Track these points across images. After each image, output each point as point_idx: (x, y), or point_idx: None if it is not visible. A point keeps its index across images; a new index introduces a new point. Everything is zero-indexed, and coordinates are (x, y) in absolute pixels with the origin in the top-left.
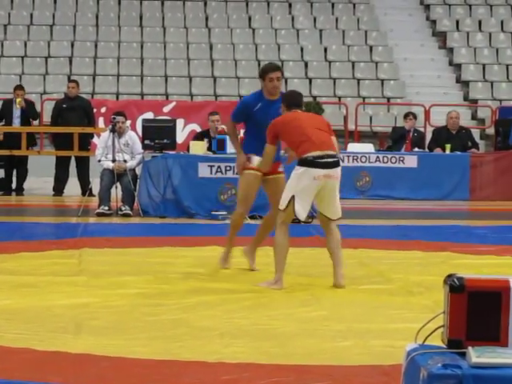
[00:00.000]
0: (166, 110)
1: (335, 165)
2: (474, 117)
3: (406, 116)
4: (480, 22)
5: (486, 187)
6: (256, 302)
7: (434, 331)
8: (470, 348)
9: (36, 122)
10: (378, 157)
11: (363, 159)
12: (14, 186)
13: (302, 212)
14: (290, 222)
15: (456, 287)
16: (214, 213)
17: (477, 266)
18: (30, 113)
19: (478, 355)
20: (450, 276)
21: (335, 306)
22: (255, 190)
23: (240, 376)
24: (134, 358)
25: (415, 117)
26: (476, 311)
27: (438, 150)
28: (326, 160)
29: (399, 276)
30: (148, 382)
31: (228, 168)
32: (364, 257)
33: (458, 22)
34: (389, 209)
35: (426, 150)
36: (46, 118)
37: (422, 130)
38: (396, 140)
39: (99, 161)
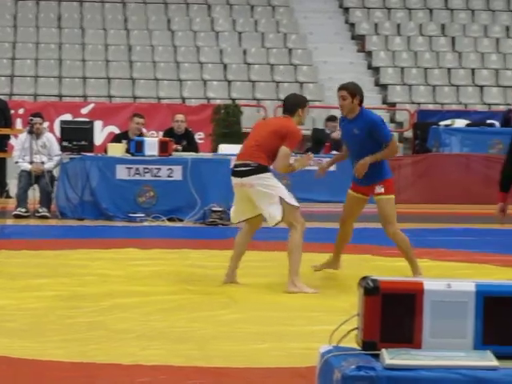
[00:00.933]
0: (84, 111)
1: (244, 174)
2: (392, 120)
3: (330, 119)
4: (399, 26)
5: (405, 190)
6: (174, 304)
7: (348, 333)
8: (383, 350)
9: None
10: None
11: None
12: None
13: (233, 215)
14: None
15: (370, 289)
16: (131, 215)
17: (395, 268)
18: None
19: (391, 357)
20: (364, 278)
21: (253, 308)
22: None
23: (156, 379)
24: (49, 361)
25: (335, 120)
26: (390, 313)
27: None
28: (238, 169)
29: (316, 278)
30: None
31: (146, 170)
32: (282, 259)
33: (376, 26)
34: (308, 211)
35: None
36: None
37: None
38: (317, 142)
39: (16, 162)
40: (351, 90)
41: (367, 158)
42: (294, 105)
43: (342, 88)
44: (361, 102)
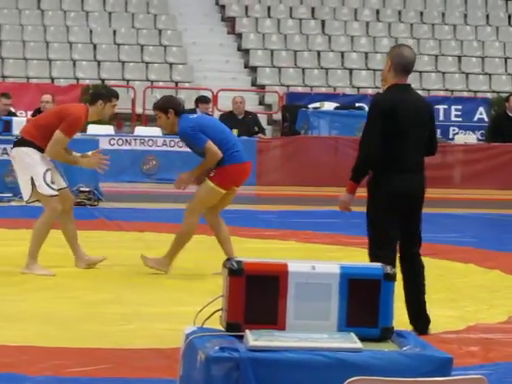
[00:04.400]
0: None
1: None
2: (261, 102)
3: (203, 100)
4: (269, 8)
5: (273, 172)
6: (38, 285)
7: (212, 314)
8: (247, 331)
9: None
10: (164, 140)
11: (150, 143)
12: None
13: None
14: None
15: (234, 270)
16: None
17: (261, 250)
18: None
19: (255, 338)
20: (228, 259)
21: (120, 289)
22: None
23: (19, 359)
24: None
25: (208, 101)
26: (254, 295)
27: None
28: None
29: (187, 260)
30: None
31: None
32: (151, 240)
33: (247, 8)
34: (175, 193)
35: None
36: None
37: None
38: None
39: None
40: (160, 107)
41: (187, 172)
42: (95, 95)
43: (154, 109)
44: (176, 113)
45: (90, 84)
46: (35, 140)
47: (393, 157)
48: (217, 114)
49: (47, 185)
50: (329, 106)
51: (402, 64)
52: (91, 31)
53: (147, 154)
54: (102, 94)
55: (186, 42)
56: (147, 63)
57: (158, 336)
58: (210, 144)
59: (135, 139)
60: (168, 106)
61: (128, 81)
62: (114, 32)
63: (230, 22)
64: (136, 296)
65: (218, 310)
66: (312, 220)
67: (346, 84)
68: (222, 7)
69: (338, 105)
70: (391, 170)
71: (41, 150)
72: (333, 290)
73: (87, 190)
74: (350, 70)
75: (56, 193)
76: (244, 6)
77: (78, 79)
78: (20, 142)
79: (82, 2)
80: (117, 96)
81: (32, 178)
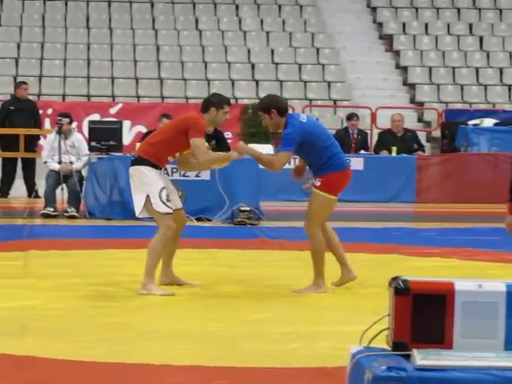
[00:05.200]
0: (112, 111)
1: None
2: (420, 119)
3: (349, 117)
4: (426, 25)
5: (432, 189)
6: (202, 304)
7: (379, 333)
8: (414, 350)
9: None
10: None
11: None
12: None
13: None
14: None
15: (401, 290)
16: None
17: (423, 268)
18: None
19: (422, 357)
20: (395, 278)
21: (281, 308)
22: None
23: (186, 379)
24: (79, 361)
25: (358, 118)
26: (421, 313)
27: (384, 153)
28: None
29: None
30: None
31: (174, 170)
32: (311, 259)
33: (404, 25)
34: (335, 211)
35: (372, 152)
36: None
37: (367, 131)
38: (340, 142)
39: (45, 162)
40: (262, 108)
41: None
42: (208, 102)
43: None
44: (279, 112)
45: (249, 104)
46: (151, 158)
47: None
48: (376, 132)
49: (163, 202)
50: (488, 122)
51: None
52: (249, 51)
53: (307, 173)
54: (213, 101)
55: (343, 60)
56: (305, 82)
57: (320, 355)
58: (285, 156)
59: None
60: (271, 106)
61: (286, 100)
62: (272, 51)
63: (387, 40)
64: (297, 315)
65: (384, 330)
66: (472, 237)
67: (505, 100)
68: (380, 25)
69: (497, 121)
70: None
71: (157, 167)
72: (499, 308)
73: (248, 209)
74: (509, 86)
75: (171, 211)
76: (401, 23)
77: (236, 99)
78: (137, 161)
79: (240, 22)
80: (228, 102)
81: (148, 196)
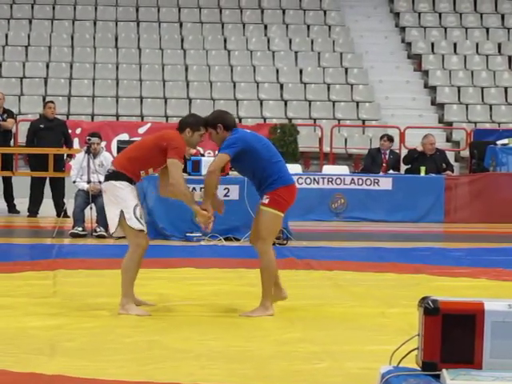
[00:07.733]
0: (141, 131)
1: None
2: (448, 139)
3: (381, 137)
4: (455, 45)
5: (461, 209)
6: (231, 323)
7: (409, 353)
8: (444, 370)
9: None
10: (352, 179)
11: (338, 181)
12: None
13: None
14: None
15: (430, 310)
16: (188, 234)
17: (452, 288)
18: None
19: (452, 378)
20: (424, 298)
21: (310, 327)
22: None
23: None
24: (109, 380)
25: (390, 139)
26: (450, 334)
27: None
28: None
29: (374, 298)
30: None
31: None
32: (339, 279)
33: (433, 45)
34: (364, 231)
35: (402, 171)
36: (21, 138)
37: (397, 151)
38: (371, 161)
39: (74, 182)
40: (208, 123)
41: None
42: (183, 123)
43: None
44: (226, 127)
45: (278, 124)
46: (127, 172)
47: None
48: (404, 152)
49: (137, 219)
50: None
51: None
52: (277, 70)
53: (335, 193)
54: (189, 122)
55: (372, 79)
56: (334, 102)
57: (349, 374)
58: (220, 157)
59: (323, 178)
60: (217, 122)
61: (315, 119)
62: (301, 71)
63: (416, 60)
64: (326, 334)
65: (414, 350)
66: (501, 257)
67: None
68: (408, 44)
69: None
70: None
71: (131, 181)
72: None
73: None
74: None
75: (144, 228)
76: (430, 42)
77: (264, 119)
78: (113, 176)
79: (269, 42)
80: (204, 124)
81: (122, 212)
